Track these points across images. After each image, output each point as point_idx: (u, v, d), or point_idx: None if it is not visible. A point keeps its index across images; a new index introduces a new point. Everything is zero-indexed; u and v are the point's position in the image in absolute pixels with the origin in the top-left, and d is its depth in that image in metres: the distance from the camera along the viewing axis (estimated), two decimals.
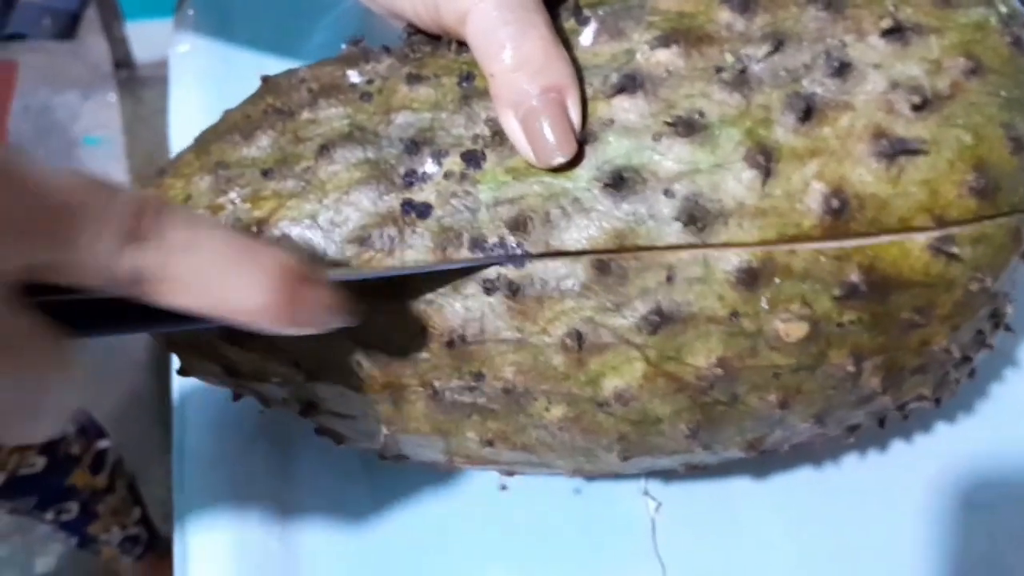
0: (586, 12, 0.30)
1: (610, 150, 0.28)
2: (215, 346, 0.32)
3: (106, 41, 1.82)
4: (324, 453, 0.40)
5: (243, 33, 0.56)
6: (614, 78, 0.29)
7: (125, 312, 0.23)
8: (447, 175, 0.30)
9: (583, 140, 0.29)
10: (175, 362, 0.35)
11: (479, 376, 0.30)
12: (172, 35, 0.57)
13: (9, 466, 0.82)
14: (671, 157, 0.28)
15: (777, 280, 0.28)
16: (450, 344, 0.30)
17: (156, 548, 1.10)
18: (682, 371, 0.29)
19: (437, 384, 0.31)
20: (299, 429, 0.40)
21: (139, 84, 1.80)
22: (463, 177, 0.29)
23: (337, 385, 0.32)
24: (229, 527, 0.39)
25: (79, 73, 1.84)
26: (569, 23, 0.31)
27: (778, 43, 0.28)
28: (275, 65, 0.35)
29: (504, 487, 0.40)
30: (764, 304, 0.28)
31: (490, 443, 0.32)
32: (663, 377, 0.29)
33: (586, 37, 0.30)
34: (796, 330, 0.28)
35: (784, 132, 0.28)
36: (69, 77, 1.83)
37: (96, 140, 1.73)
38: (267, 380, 0.33)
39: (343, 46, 0.34)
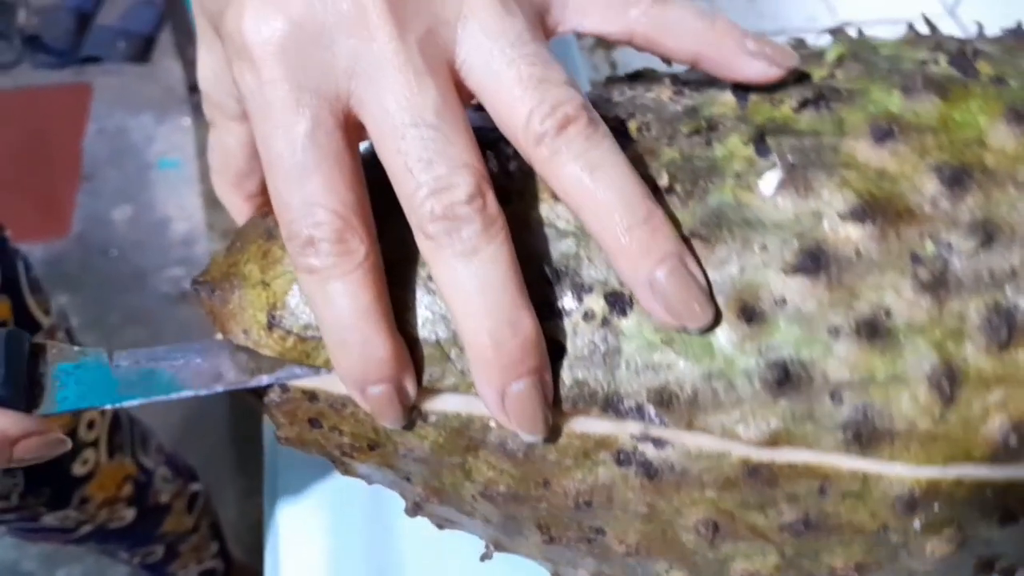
0: (770, 143, 0.26)
1: (777, 336, 0.25)
2: (339, 458, 0.30)
3: (181, 65, 1.84)
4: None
5: None
6: (794, 247, 0.25)
7: None
8: (587, 316, 0.26)
9: (750, 317, 0.25)
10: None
11: (600, 531, 0.28)
12: None
13: (99, 520, 0.80)
14: (845, 359, 0.25)
15: (936, 506, 0.25)
16: (575, 505, 0.27)
17: (230, 574, 1.09)
18: (816, 567, 0.27)
19: (554, 532, 0.28)
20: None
21: None
22: (605, 322, 0.26)
23: (450, 508, 0.30)
24: None
25: (154, 96, 1.86)
26: (747, 151, 0.26)
27: (987, 237, 0.25)
28: None
29: None
30: (917, 525, 0.26)
31: None
32: (795, 570, 0.27)
33: (767, 183, 0.26)
34: (944, 549, 0.26)
35: (975, 351, 0.24)
36: (143, 100, 1.85)
37: (170, 163, 1.74)
38: (379, 478, 0.31)
39: None
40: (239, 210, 0.32)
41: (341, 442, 0.28)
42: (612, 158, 0.23)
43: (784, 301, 0.25)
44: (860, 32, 0.31)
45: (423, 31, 0.23)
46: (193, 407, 1.37)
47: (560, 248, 0.26)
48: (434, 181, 0.22)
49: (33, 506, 0.72)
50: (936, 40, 0.29)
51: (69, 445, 0.28)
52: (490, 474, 0.27)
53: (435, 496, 0.29)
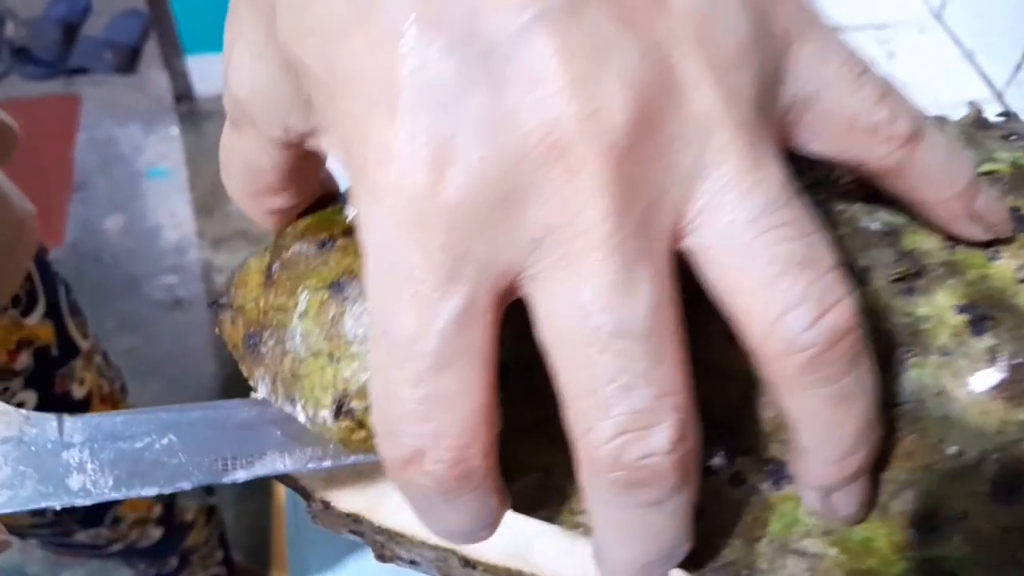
0: (988, 322, 0.22)
1: (948, 550, 0.23)
2: (381, 555, 0.27)
3: (167, 75, 1.86)
4: None
5: None
6: (994, 467, 0.22)
7: None
8: (735, 479, 0.23)
9: (925, 529, 0.22)
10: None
11: None
12: None
13: (129, 539, 0.82)
14: None
15: None
16: None
17: None
18: None
19: None
20: None
21: (200, 117, 1.83)
22: (755, 491, 0.23)
23: None
24: None
25: (141, 106, 1.88)
26: (958, 320, 0.22)
27: None
28: None
29: None
30: None
31: None
32: None
33: (982, 381, 0.22)
34: None
35: None
36: (131, 110, 1.87)
37: (160, 172, 1.76)
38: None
39: None
40: (258, 219, 0.25)
41: (383, 553, 0.26)
42: (867, 383, 0.18)
43: (966, 518, 0.22)
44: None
45: (649, 200, 0.16)
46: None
47: (724, 397, 0.22)
48: (629, 417, 0.16)
49: (67, 522, 0.74)
50: None
51: (12, 543, 0.24)
52: None
53: None
